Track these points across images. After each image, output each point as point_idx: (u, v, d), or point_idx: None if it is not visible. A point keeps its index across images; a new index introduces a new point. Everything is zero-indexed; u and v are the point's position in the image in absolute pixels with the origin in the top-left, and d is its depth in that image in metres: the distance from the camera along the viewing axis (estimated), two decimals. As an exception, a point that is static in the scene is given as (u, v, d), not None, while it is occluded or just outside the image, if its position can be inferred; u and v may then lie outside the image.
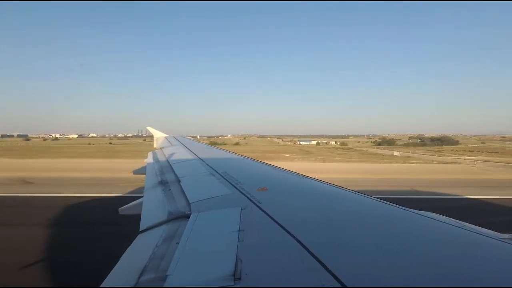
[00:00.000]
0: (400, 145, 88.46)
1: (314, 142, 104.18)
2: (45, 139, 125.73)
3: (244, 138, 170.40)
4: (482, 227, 1.47)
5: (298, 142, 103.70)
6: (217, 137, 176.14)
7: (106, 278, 1.14)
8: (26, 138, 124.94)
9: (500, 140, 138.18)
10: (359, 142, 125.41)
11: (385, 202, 1.84)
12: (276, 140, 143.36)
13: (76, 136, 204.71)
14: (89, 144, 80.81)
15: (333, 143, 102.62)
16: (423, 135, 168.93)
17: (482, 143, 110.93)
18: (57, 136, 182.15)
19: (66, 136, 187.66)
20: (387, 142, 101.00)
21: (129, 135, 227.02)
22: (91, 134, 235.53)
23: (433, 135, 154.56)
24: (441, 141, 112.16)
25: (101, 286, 1.09)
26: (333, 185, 2.42)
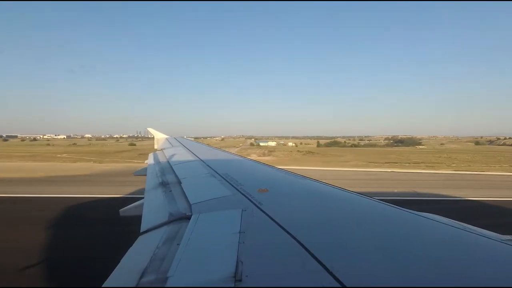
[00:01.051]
0: (339, 147, 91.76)
1: (285, 144, 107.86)
2: (23, 140, 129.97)
3: (222, 139, 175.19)
4: None
5: (256, 143, 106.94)
6: (205, 138, 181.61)
7: (107, 279, 1.14)
8: (4, 139, 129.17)
9: (467, 141, 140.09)
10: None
11: (386, 203, 1.88)
12: (248, 140, 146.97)
13: (64, 137, 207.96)
14: (48, 145, 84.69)
15: (290, 144, 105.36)
16: (397, 136, 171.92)
17: (441, 144, 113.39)
18: (42, 137, 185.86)
19: (46, 137, 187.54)
20: (326, 144, 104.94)
21: (124, 135, 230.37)
22: (87, 135, 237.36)
23: (408, 136, 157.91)
24: (401, 142, 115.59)
25: (102, 286, 1.08)
26: (333, 186, 2.46)
